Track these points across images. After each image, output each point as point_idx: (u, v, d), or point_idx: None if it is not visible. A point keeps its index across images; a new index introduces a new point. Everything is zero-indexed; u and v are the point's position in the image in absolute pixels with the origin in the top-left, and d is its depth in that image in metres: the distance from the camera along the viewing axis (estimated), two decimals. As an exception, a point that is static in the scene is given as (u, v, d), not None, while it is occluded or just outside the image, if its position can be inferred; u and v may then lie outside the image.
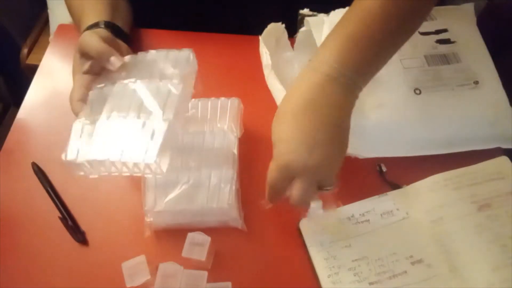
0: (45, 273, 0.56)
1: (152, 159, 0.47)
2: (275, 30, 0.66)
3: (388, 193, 0.59)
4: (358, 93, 0.50)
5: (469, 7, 0.67)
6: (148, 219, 0.56)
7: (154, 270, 0.53)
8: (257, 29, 0.67)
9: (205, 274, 0.52)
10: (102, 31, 0.59)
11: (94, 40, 0.56)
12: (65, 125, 0.67)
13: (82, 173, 0.52)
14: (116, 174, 0.51)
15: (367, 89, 0.55)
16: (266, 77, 0.66)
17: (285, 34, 0.68)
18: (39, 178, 0.62)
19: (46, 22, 1.32)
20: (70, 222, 0.58)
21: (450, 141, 0.60)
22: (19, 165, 0.64)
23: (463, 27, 0.65)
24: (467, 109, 0.60)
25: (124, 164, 0.49)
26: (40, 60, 0.75)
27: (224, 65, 0.73)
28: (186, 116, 0.61)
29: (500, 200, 0.57)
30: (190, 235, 0.54)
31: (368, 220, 0.57)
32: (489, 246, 0.53)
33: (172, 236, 0.56)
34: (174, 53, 0.57)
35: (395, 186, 0.59)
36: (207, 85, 0.70)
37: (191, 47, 0.73)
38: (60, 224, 0.58)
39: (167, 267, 0.52)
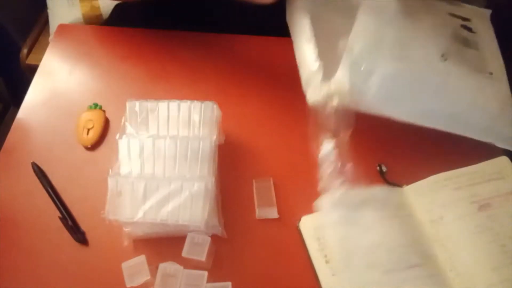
0: (45, 273, 0.56)
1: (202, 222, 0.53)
2: None
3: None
4: None
5: (486, 12, 0.67)
6: (126, 229, 0.56)
7: (154, 270, 0.53)
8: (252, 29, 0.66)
9: (205, 274, 0.52)
10: None
11: None
12: (65, 125, 0.67)
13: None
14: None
15: (396, 37, 0.54)
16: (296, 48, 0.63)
17: None
18: (39, 178, 0.62)
19: (46, 22, 1.32)
20: (70, 222, 0.58)
21: (453, 119, 0.58)
22: (19, 165, 0.64)
23: (482, 24, 0.65)
24: (479, 95, 0.58)
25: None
26: (40, 60, 0.75)
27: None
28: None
29: (500, 200, 0.57)
30: (190, 235, 0.54)
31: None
32: (489, 246, 0.53)
33: (172, 236, 0.56)
34: (197, 104, 0.59)
35: (395, 186, 0.59)
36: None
37: (193, 47, 0.73)
38: (60, 224, 0.58)
39: (167, 267, 0.52)
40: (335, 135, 0.53)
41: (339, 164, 0.53)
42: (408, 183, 0.59)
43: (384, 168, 0.61)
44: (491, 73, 0.59)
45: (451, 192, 0.57)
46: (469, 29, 0.63)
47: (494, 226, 0.55)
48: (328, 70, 0.56)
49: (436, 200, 0.57)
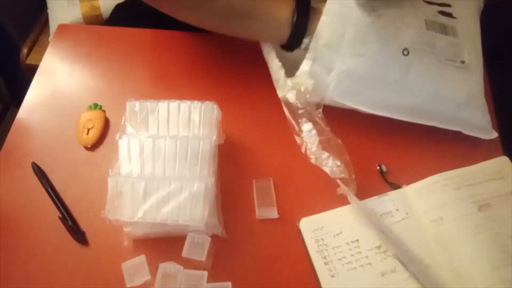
0: (45, 273, 0.56)
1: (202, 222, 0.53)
2: None
3: (388, 193, 0.59)
4: None
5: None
6: (126, 229, 0.56)
7: (154, 270, 0.53)
8: None
9: (205, 274, 0.52)
10: None
11: None
12: (65, 125, 0.67)
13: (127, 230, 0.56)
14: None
15: (356, 34, 0.56)
16: (262, 48, 0.66)
17: None
18: (39, 178, 0.62)
19: (46, 22, 1.32)
20: (70, 222, 0.58)
21: (416, 109, 0.60)
22: (19, 165, 0.64)
23: (465, 10, 0.64)
24: (444, 84, 0.59)
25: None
26: (40, 60, 0.75)
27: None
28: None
29: (500, 200, 0.56)
30: (190, 235, 0.54)
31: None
32: (489, 246, 0.53)
33: (172, 236, 0.56)
34: (197, 104, 0.59)
35: (395, 186, 0.59)
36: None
37: (194, 47, 0.72)
38: (60, 224, 0.58)
39: (167, 267, 0.52)
40: (310, 118, 0.58)
41: (321, 140, 0.58)
42: (408, 183, 0.59)
43: (384, 168, 0.61)
44: (463, 62, 0.60)
45: (451, 192, 0.57)
46: (449, 15, 0.62)
47: (494, 226, 0.55)
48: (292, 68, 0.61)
49: (436, 200, 0.57)
